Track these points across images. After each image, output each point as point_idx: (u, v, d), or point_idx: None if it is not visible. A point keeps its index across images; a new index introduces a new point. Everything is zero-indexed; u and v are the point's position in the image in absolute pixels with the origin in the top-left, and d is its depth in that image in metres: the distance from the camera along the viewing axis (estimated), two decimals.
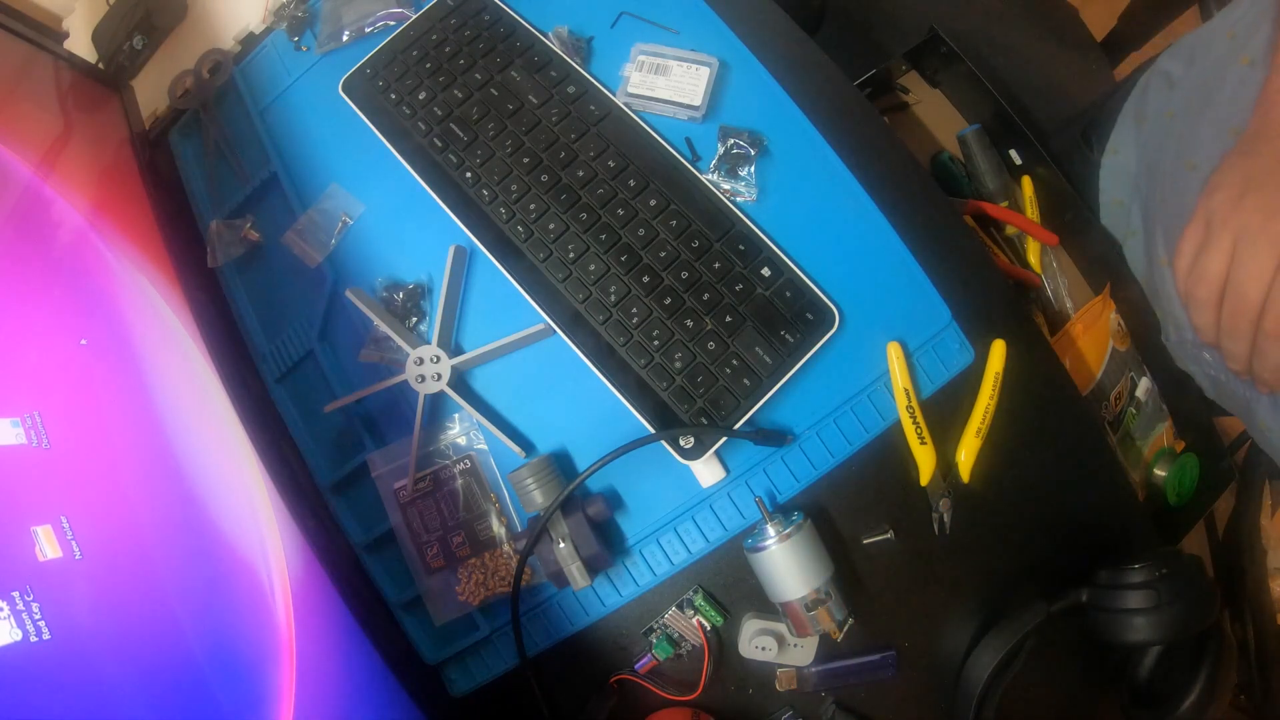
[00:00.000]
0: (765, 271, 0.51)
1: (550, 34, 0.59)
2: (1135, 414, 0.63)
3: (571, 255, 0.53)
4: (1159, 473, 0.64)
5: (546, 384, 0.55)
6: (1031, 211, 0.69)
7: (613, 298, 0.52)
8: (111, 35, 0.66)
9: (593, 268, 0.52)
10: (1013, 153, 0.70)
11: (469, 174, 0.56)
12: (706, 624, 0.52)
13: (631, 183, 0.53)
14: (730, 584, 0.52)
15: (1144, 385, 0.64)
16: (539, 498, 0.49)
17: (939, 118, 0.74)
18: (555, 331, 0.53)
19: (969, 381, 0.52)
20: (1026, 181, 0.70)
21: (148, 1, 0.65)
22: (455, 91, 0.57)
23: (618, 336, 0.51)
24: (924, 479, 0.51)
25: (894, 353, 0.51)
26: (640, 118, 0.56)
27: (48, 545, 0.34)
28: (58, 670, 0.32)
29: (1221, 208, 0.40)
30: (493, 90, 0.57)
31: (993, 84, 0.66)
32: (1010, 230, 0.68)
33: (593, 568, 0.49)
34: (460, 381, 0.55)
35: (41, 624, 0.31)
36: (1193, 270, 0.42)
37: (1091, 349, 0.62)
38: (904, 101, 0.74)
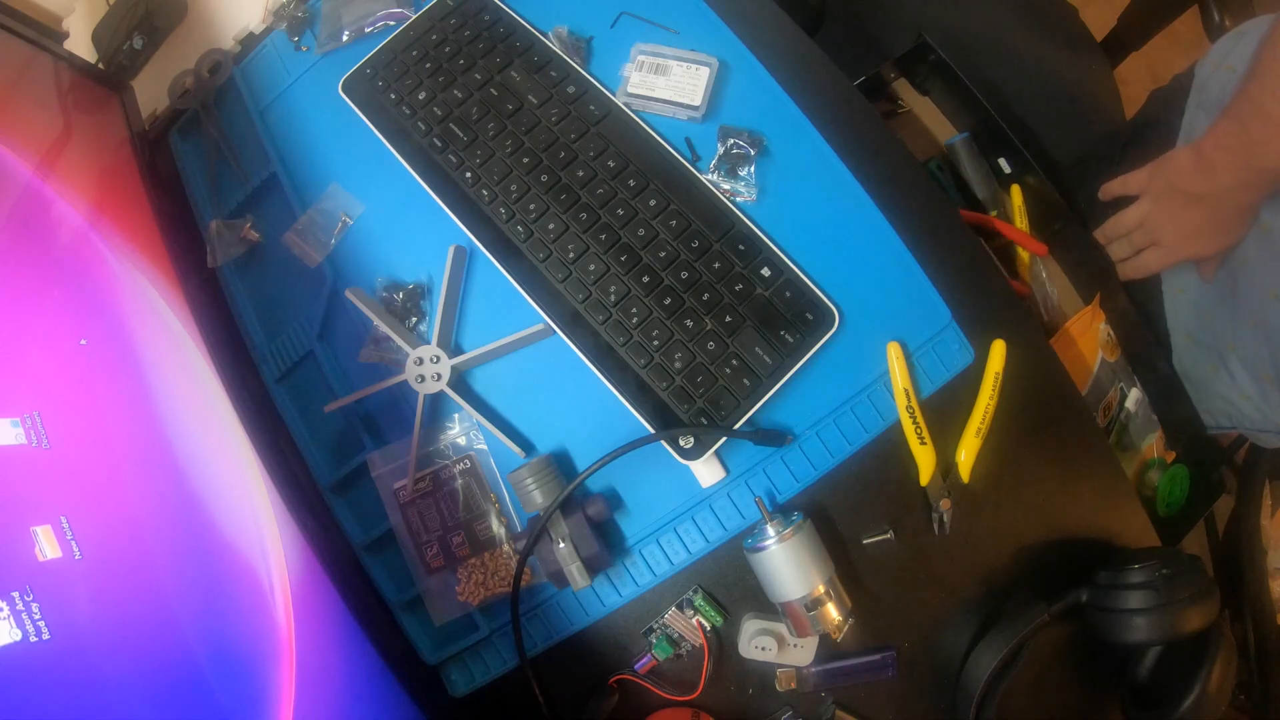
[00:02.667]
0: (765, 271, 0.51)
1: (550, 34, 0.59)
2: (1125, 425, 0.63)
3: (571, 255, 0.53)
4: (1150, 483, 0.63)
5: (546, 384, 0.55)
6: (1020, 221, 0.69)
7: (612, 298, 0.52)
8: (111, 35, 0.66)
9: (592, 268, 0.52)
10: (1002, 161, 0.70)
11: (469, 174, 0.56)
12: (706, 624, 0.52)
13: (631, 183, 0.53)
14: (730, 584, 0.52)
15: (1134, 396, 0.64)
16: (539, 498, 0.49)
17: (929, 125, 0.74)
18: (555, 331, 0.53)
19: (969, 381, 0.52)
20: (1016, 190, 0.69)
21: (148, 1, 0.65)
22: (455, 91, 0.57)
23: (617, 336, 0.51)
24: (924, 479, 0.51)
25: (894, 353, 0.51)
26: (640, 118, 0.56)
27: (48, 545, 0.34)
28: (58, 670, 0.31)
29: (1161, 206, 0.58)
30: (492, 90, 0.57)
31: (983, 91, 0.66)
32: (1000, 238, 0.68)
33: (593, 568, 0.49)
34: (460, 381, 0.55)
35: (41, 624, 0.31)
36: (1118, 216, 0.62)
37: (1080, 360, 0.62)
38: (894, 109, 0.74)
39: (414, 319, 0.56)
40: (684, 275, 0.51)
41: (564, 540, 0.48)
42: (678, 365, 0.50)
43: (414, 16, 0.60)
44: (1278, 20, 0.49)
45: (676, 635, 0.52)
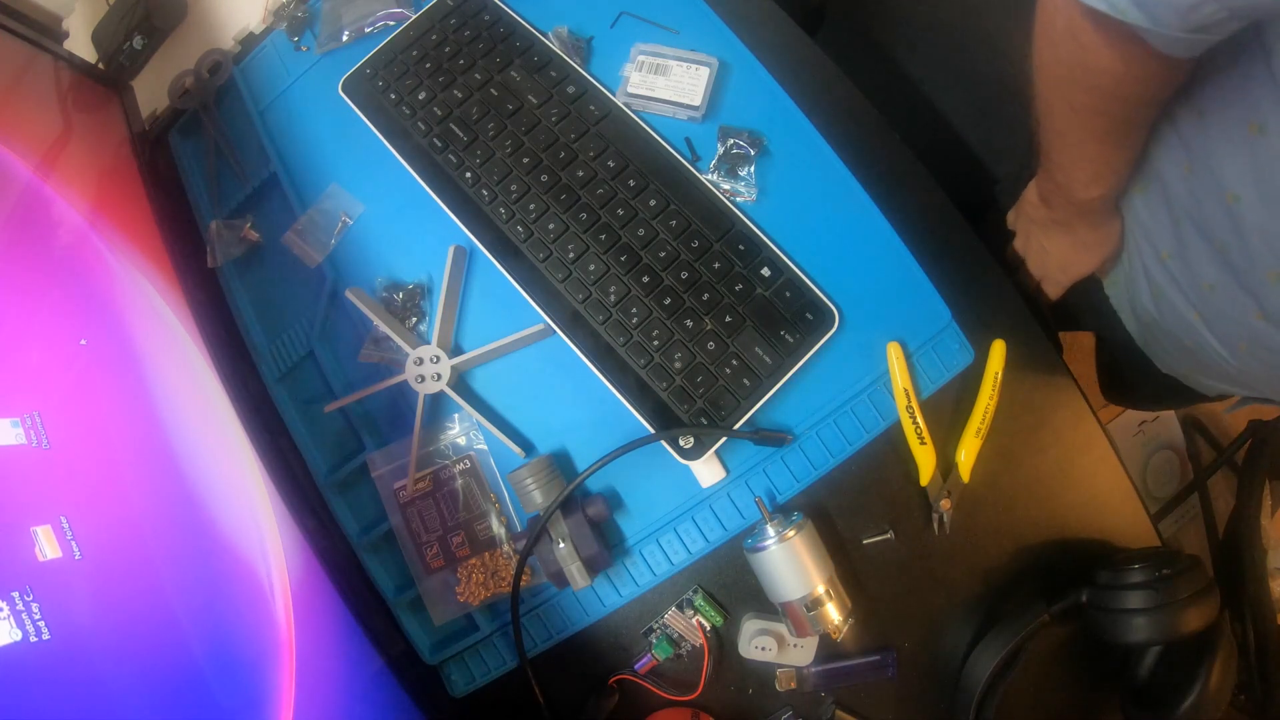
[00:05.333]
0: (765, 271, 0.51)
1: (550, 34, 0.59)
2: None
3: (571, 255, 0.53)
4: None
5: (546, 384, 0.54)
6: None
7: (612, 298, 0.52)
8: (111, 35, 0.66)
9: (592, 268, 0.52)
10: None
11: (469, 174, 0.56)
12: (706, 624, 0.52)
13: (631, 183, 0.53)
14: (730, 584, 0.52)
15: None
16: (539, 498, 0.49)
17: None
18: (555, 331, 0.53)
19: (969, 381, 0.52)
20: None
21: (148, 1, 0.65)
22: (455, 91, 0.57)
23: (617, 336, 0.51)
24: (924, 479, 0.51)
25: (894, 353, 0.51)
26: (640, 118, 0.56)
27: (48, 545, 0.34)
28: (58, 670, 0.32)
29: (1030, 241, 0.59)
30: (492, 90, 0.57)
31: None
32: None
33: (593, 568, 0.49)
34: (460, 381, 0.55)
35: (41, 624, 0.31)
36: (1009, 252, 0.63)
37: None
38: None
39: (414, 319, 0.56)
40: (684, 275, 0.51)
41: (564, 540, 0.48)
42: (678, 365, 0.50)
43: (414, 16, 0.60)
44: (1038, 67, 0.46)
45: (676, 635, 0.52)
